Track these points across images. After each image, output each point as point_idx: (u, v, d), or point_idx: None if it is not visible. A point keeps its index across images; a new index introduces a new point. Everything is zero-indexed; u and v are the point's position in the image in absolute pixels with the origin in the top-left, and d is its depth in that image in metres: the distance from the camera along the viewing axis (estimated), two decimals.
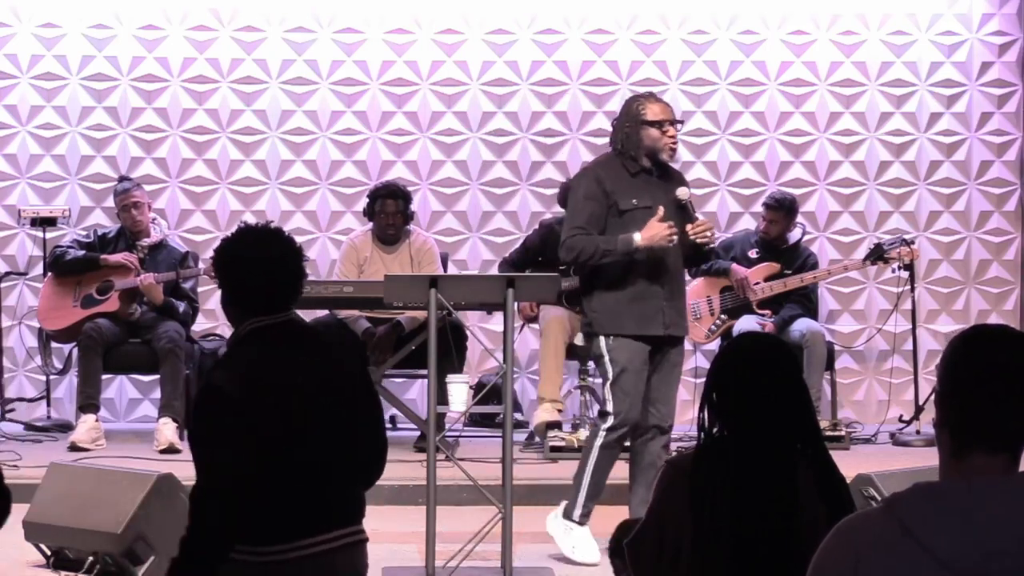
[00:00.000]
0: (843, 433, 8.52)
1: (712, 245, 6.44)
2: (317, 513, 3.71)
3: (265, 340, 3.80)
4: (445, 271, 8.78)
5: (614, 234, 6.21)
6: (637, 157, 6.33)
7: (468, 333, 8.56)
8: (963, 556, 2.38)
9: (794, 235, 9.11)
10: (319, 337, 3.91)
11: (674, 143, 6.38)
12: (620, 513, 5.73)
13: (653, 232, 6.16)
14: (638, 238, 6.16)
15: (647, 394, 6.23)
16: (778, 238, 9.02)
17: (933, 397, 2.56)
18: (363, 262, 8.57)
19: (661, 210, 6.22)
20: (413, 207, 8.74)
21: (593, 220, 6.27)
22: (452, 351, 6.98)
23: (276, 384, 3.71)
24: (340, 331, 3.98)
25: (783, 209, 8.96)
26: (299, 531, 3.69)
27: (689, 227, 6.22)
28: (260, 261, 3.80)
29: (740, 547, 3.44)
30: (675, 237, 6.17)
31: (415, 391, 9.50)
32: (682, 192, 6.34)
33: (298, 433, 3.68)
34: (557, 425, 8.30)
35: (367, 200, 8.67)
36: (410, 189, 8.87)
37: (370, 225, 8.68)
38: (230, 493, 3.59)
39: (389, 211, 8.52)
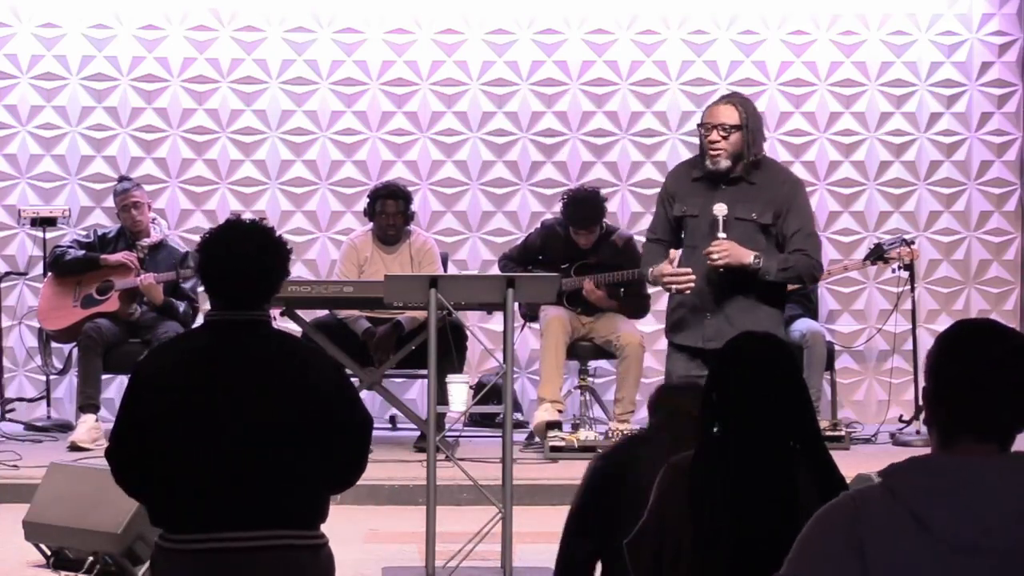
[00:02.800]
0: (843, 433, 8.52)
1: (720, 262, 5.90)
2: (229, 509, 3.66)
3: (212, 333, 3.83)
4: (445, 271, 8.78)
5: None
6: (702, 160, 6.03)
7: (468, 333, 8.56)
8: (957, 529, 2.40)
9: None
10: (283, 344, 3.84)
11: (714, 150, 5.90)
12: None
13: (658, 273, 6.03)
14: (649, 273, 6.09)
15: None
16: None
17: (922, 394, 2.57)
18: (363, 262, 8.57)
19: (673, 253, 6.03)
20: (413, 207, 8.74)
21: (657, 224, 6.17)
22: (452, 351, 6.98)
23: (194, 375, 3.72)
24: (314, 348, 3.94)
25: None
26: (206, 524, 3.67)
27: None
28: (225, 255, 3.80)
29: (739, 547, 3.44)
30: (682, 286, 5.91)
31: (415, 391, 9.50)
32: (718, 208, 5.88)
33: (206, 426, 3.67)
34: (557, 425, 8.29)
35: (367, 200, 8.67)
36: (410, 189, 8.87)
37: (370, 225, 8.68)
38: (117, 459, 3.80)
39: (389, 211, 8.52)
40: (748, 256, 5.86)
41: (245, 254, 3.78)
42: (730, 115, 5.94)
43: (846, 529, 2.46)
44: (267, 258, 3.81)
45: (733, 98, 6.10)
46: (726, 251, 5.84)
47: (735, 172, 5.94)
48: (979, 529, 2.40)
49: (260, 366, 3.75)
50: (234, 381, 3.71)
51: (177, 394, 3.71)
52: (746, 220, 5.92)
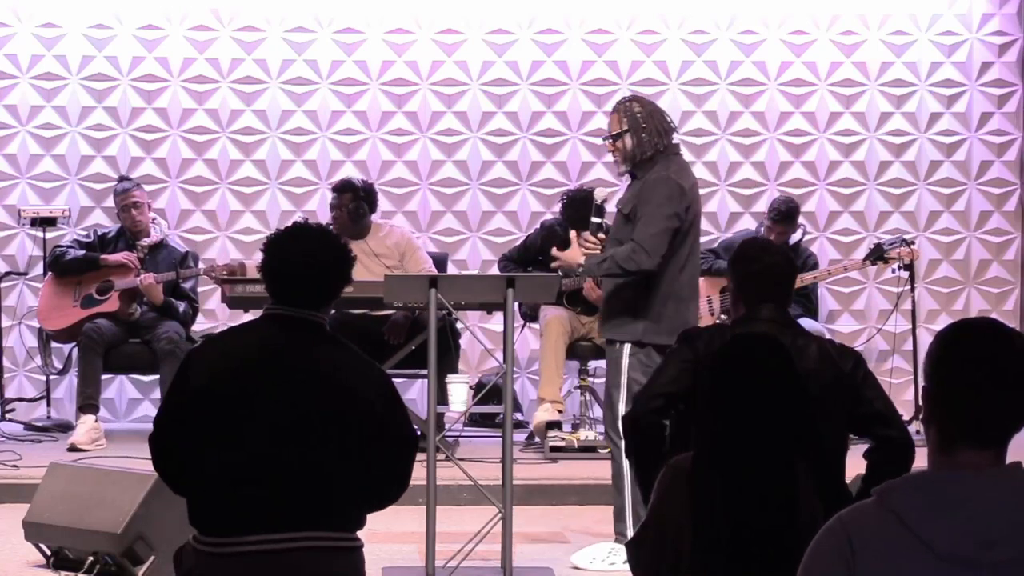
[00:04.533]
0: None
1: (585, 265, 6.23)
2: (265, 511, 3.68)
3: (269, 326, 3.84)
4: (444, 270, 8.78)
5: None
6: None
7: (468, 332, 8.56)
8: (957, 545, 2.39)
9: (794, 236, 9.11)
10: (335, 349, 3.86)
11: (613, 159, 6.28)
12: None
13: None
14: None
15: None
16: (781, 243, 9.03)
17: (921, 393, 2.56)
18: None
19: (573, 234, 6.26)
20: (413, 207, 8.73)
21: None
22: (452, 351, 6.99)
23: (244, 368, 3.74)
24: (366, 359, 3.94)
25: (790, 220, 8.97)
26: (241, 527, 3.68)
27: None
28: (298, 255, 3.83)
29: (739, 548, 3.44)
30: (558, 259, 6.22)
31: (415, 391, 9.50)
32: (598, 192, 6.34)
33: (249, 420, 3.68)
34: (557, 425, 8.30)
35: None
36: (410, 189, 8.87)
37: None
38: (158, 445, 3.82)
39: (334, 205, 8.56)
40: (575, 262, 6.16)
41: (316, 255, 3.83)
42: (613, 124, 6.21)
43: (838, 554, 2.45)
44: (337, 263, 3.86)
45: (618, 105, 6.30)
46: (558, 263, 6.23)
47: (636, 171, 6.20)
48: (979, 542, 2.39)
49: (310, 367, 3.75)
50: (282, 379, 3.72)
51: (224, 386, 3.72)
52: (618, 211, 6.23)
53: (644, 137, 6.11)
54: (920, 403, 8.75)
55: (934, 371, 2.51)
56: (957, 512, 2.40)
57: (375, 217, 8.70)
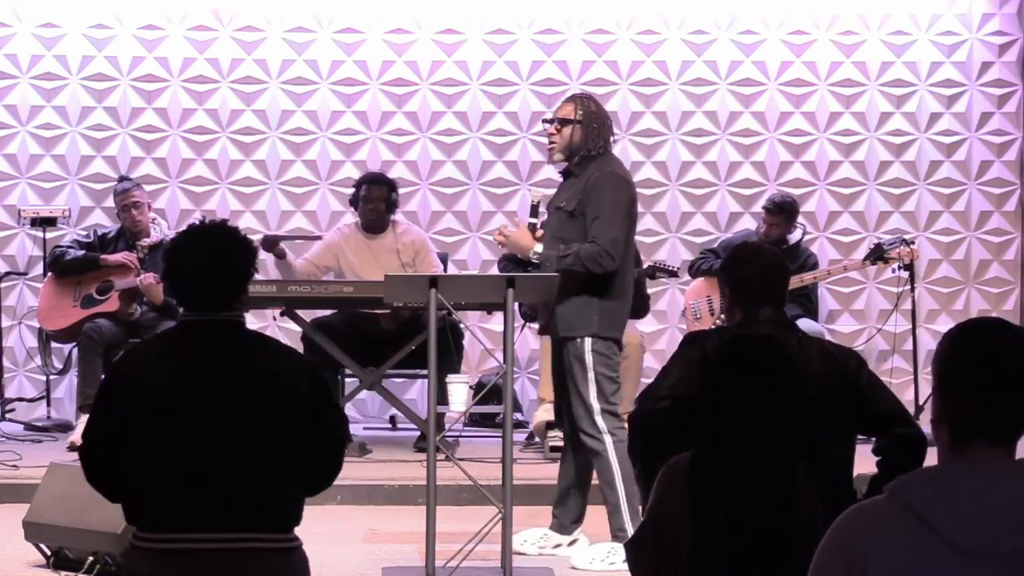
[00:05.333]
0: None
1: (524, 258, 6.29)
2: (199, 511, 3.68)
3: (186, 333, 3.86)
4: (445, 269, 8.78)
5: None
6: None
7: (467, 332, 8.56)
8: (972, 537, 2.39)
9: (794, 236, 9.11)
10: (256, 345, 3.86)
11: (550, 144, 6.24)
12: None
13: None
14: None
15: None
16: (778, 239, 9.02)
17: (931, 392, 2.56)
18: (342, 254, 8.55)
19: (519, 221, 6.31)
20: (412, 207, 8.73)
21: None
22: (452, 351, 6.98)
23: (167, 376, 3.74)
24: (288, 349, 3.94)
25: (783, 212, 8.97)
26: (176, 524, 3.69)
27: None
28: (191, 259, 3.84)
29: (739, 547, 3.44)
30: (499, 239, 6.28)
31: (415, 391, 9.50)
32: (533, 193, 6.34)
33: (179, 427, 3.69)
34: (557, 425, 8.29)
35: (353, 189, 8.68)
36: (410, 189, 8.87)
37: (352, 221, 8.71)
38: (90, 459, 3.87)
39: (373, 196, 8.52)
40: (529, 247, 6.14)
41: (209, 256, 3.82)
42: (567, 111, 6.20)
43: (846, 549, 2.46)
44: (231, 258, 3.84)
45: (575, 97, 6.37)
46: (503, 238, 6.22)
47: (570, 166, 6.20)
48: (993, 534, 2.39)
49: (233, 367, 3.76)
50: (207, 382, 3.72)
51: (150, 395, 3.73)
52: (559, 209, 6.19)
53: (591, 135, 6.17)
54: (920, 403, 8.81)
55: (943, 370, 2.52)
56: (971, 504, 2.41)
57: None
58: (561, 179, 6.35)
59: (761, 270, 4.49)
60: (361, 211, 8.58)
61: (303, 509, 3.85)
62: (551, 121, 6.24)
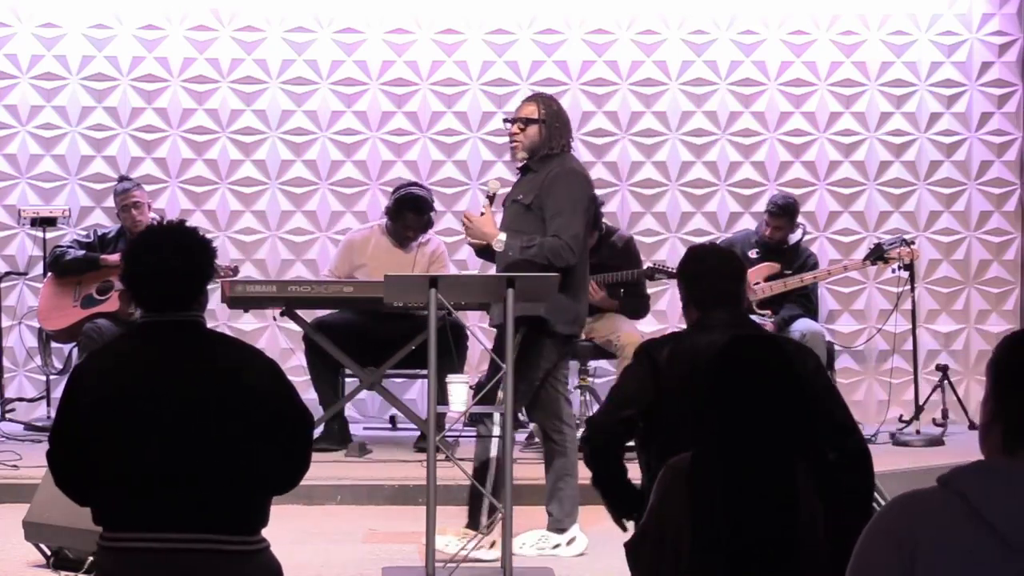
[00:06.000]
0: None
1: (472, 242, 6.40)
2: (160, 511, 3.68)
3: (147, 335, 3.84)
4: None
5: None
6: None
7: (468, 333, 8.56)
8: (1021, 531, 2.40)
9: (794, 236, 9.11)
10: (217, 345, 3.86)
11: (513, 142, 6.36)
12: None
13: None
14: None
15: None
16: (780, 240, 9.02)
17: (983, 395, 2.58)
18: (361, 260, 8.56)
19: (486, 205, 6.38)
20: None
21: None
22: (452, 351, 6.97)
23: (129, 377, 3.74)
24: (249, 348, 3.94)
25: (787, 215, 8.96)
26: (137, 524, 3.69)
27: None
28: (148, 259, 3.83)
29: (739, 547, 3.44)
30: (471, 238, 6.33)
31: (415, 391, 9.50)
32: (491, 184, 6.43)
33: (141, 427, 3.69)
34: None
35: (393, 199, 8.62)
36: None
37: (381, 221, 8.70)
38: (56, 461, 3.86)
39: (411, 225, 8.54)
40: (492, 236, 6.24)
41: (166, 256, 3.81)
42: (530, 111, 6.35)
43: (897, 532, 2.47)
44: (187, 258, 3.83)
45: (536, 97, 6.55)
46: (469, 226, 6.31)
47: (530, 163, 6.34)
48: None
49: (195, 367, 3.75)
50: (168, 383, 3.72)
51: (112, 395, 3.73)
52: (515, 202, 6.33)
53: (555, 134, 6.32)
54: (920, 404, 8.82)
55: (997, 375, 2.55)
56: (1023, 500, 2.43)
57: None
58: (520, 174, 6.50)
59: (711, 269, 4.48)
60: (393, 227, 8.57)
61: (269, 511, 3.82)
62: (513, 120, 6.37)
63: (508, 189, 6.72)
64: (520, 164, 6.45)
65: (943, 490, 2.47)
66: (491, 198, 6.38)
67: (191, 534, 3.67)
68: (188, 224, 3.97)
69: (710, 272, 4.47)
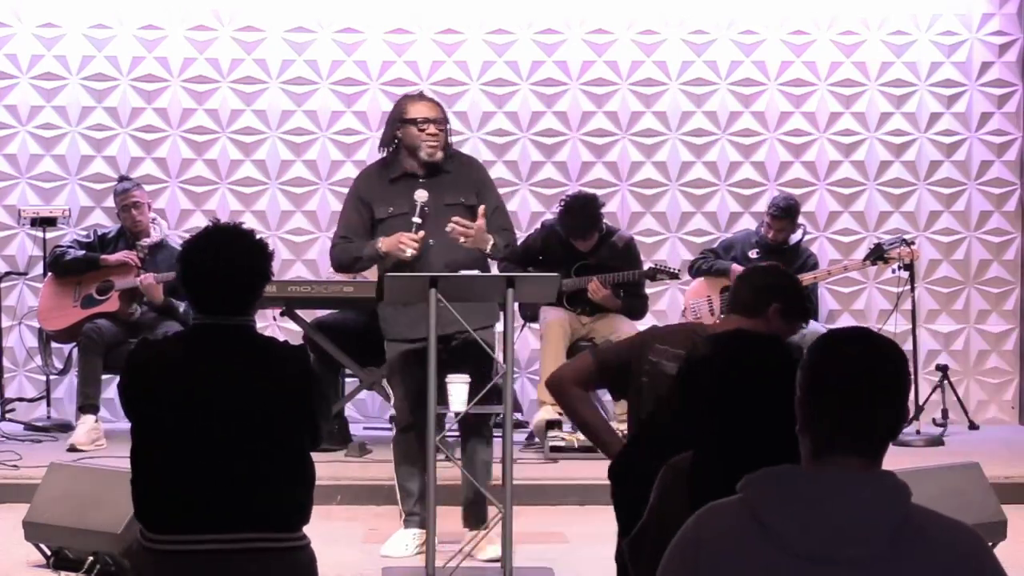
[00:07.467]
0: None
1: (463, 242, 6.16)
2: (207, 512, 3.70)
3: (199, 339, 3.85)
4: None
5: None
6: (402, 159, 6.32)
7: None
8: (807, 540, 2.39)
9: (795, 236, 9.11)
10: (261, 352, 3.87)
11: (433, 143, 6.24)
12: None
13: (391, 240, 6.16)
14: (380, 244, 6.21)
15: None
16: (782, 241, 9.02)
17: (795, 401, 2.55)
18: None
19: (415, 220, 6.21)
20: None
21: (352, 229, 6.33)
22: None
23: (179, 381, 3.75)
24: (291, 348, 3.95)
25: (789, 217, 8.96)
26: (184, 526, 3.71)
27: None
28: (212, 261, 3.82)
29: None
30: (408, 250, 6.09)
31: None
32: (418, 195, 6.18)
33: (189, 430, 3.71)
34: (557, 425, 8.29)
35: None
36: None
37: None
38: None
39: None
40: (488, 241, 6.20)
41: (232, 259, 3.80)
42: (440, 112, 6.37)
43: (684, 546, 2.49)
44: (254, 262, 3.83)
45: (433, 98, 6.56)
46: (472, 234, 6.10)
47: (440, 163, 6.29)
48: (830, 540, 2.38)
49: (244, 373, 3.77)
50: (217, 387, 3.73)
51: (162, 399, 3.73)
52: (455, 204, 6.24)
53: (450, 134, 6.43)
54: (920, 404, 8.82)
55: (807, 380, 2.52)
56: (812, 508, 2.40)
57: None
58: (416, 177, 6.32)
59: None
60: None
61: (311, 508, 3.87)
62: (433, 121, 6.28)
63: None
64: (417, 167, 6.28)
65: (739, 500, 2.46)
66: (424, 208, 6.19)
67: (242, 534, 3.70)
68: (243, 225, 3.96)
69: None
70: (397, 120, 6.33)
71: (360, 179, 6.50)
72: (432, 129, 6.25)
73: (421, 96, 6.52)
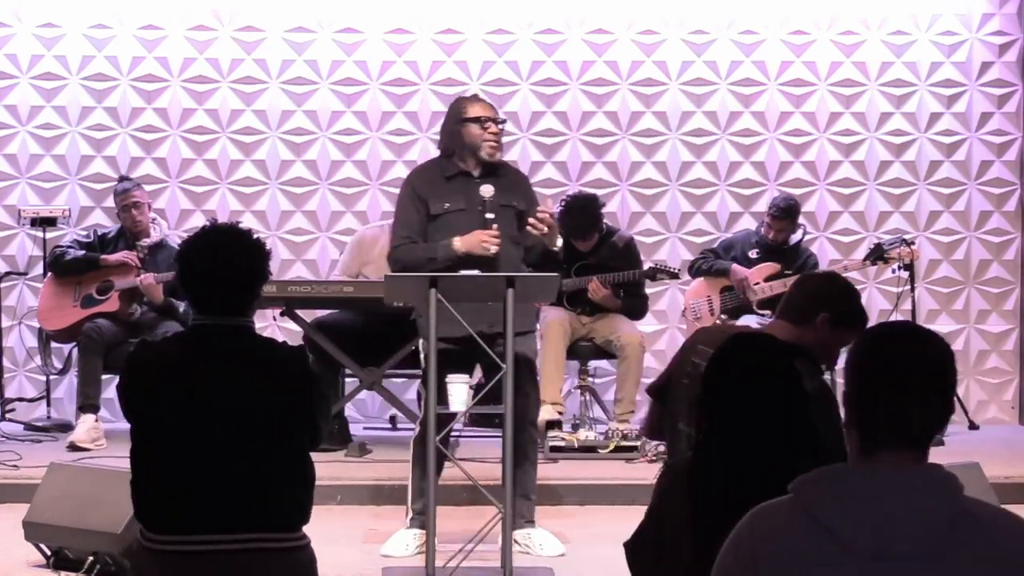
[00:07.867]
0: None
1: (552, 246, 6.26)
2: (208, 513, 3.71)
3: (199, 339, 3.85)
4: None
5: (432, 239, 6.23)
6: (457, 158, 6.33)
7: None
8: (864, 539, 2.39)
9: (795, 236, 9.11)
10: (261, 352, 3.87)
11: (496, 143, 6.29)
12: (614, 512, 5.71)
13: (472, 239, 6.14)
14: (458, 244, 6.18)
15: None
16: (782, 242, 9.02)
17: (842, 398, 2.57)
18: (366, 257, 8.56)
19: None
20: None
21: (412, 227, 6.30)
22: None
23: (179, 381, 3.76)
24: (290, 349, 3.96)
25: (790, 217, 8.96)
26: (185, 527, 3.71)
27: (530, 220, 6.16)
28: (210, 262, 3.82)
29: None
30: (492, 247, 6.10)
31: (415, 391, 9.49)
32: (484, 189, 6.18)
33: (190, 431, 3.72)
34: (557, 425, 8.29)
35: None
36: None
37: (391, 221, 8.70)
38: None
39: None
40: (558, 237, 6.31)
41: (230, 259, 3.81)
42: (498, 113, 6.45)
43: (738, 546, 2.49)
44: (252, 262, 3.84)
45: (489, 100, 6.62)
46: (554, 225, 6.22)
47: (498, 166, 6.36)
48: (885, 536, 2.39)
49: (244, 373, 3.77)
50: (217, 388, 3.74)
51: (162, 399, 3.73)
52: (509, 206, 6.27)
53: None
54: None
55: (855, 375, 2.53)
56: (866, 505, 2.41)
57: None
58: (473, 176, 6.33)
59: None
60: None
61: (311, 508, 3.88)
62: (498, 121, 6.35)
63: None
64: (483, 164, 6.30)
65: (790, 500, 2.47)
66: (492, 204, 6.22)
67: (243, 534, 3.71)
68: (241, 225, 3.96)
69: None
70: (457, 119, 6.35)
71: (414, 176, 6.49)
72: (494, 128, 6.32)
73: (478, 97, 6.60)
